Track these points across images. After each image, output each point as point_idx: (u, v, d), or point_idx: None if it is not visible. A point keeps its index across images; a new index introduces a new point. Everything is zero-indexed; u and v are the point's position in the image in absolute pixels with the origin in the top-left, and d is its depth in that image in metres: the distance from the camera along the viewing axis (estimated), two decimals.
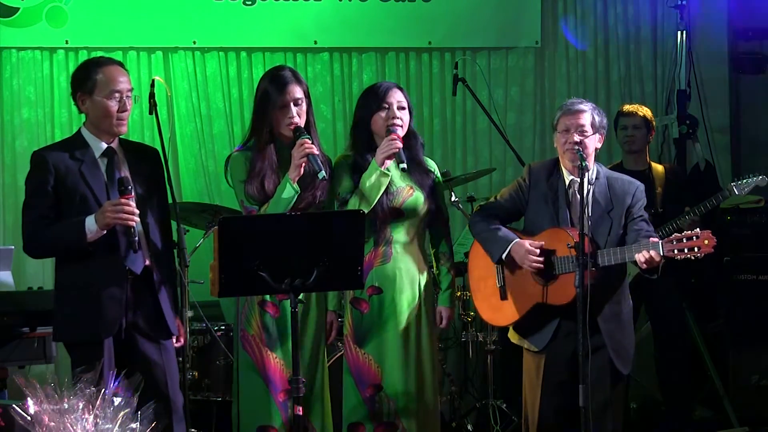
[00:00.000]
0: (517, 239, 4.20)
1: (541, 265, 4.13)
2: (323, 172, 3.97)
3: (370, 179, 4.07)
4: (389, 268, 4.15)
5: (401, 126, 4.16)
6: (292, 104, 4.08)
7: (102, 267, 3.89)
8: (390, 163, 4.11)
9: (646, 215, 4.22)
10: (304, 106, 4.12)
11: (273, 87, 4.10)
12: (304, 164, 3.99)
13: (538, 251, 4.13)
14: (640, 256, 3.96)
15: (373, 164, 4.09)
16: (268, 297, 4.07)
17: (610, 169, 5.66)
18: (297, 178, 4.00)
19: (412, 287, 4.18)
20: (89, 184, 3.91)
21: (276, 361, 4.08)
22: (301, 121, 4.09)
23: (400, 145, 4.08)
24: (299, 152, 3.99)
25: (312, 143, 4.01)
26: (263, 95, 4.12)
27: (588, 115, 4.19)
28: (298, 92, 4.10)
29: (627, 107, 5.89)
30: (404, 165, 4.09)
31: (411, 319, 4.16)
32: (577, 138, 4.14)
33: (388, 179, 4.10)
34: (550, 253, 4.15)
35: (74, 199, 3.90)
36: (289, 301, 3.99)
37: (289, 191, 3.99)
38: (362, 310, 4.15)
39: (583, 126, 4.17)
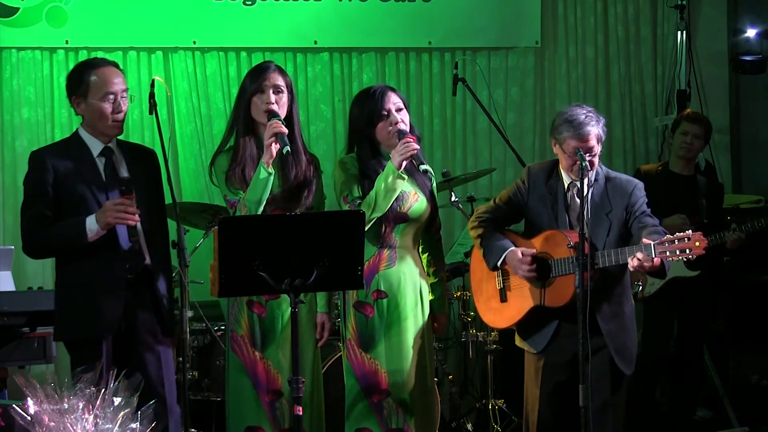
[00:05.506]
0: (512, 247, 4.18)
1: (534, 274, 4.12)
2: (287, 147, 3.91)
3: (386, 181, 3.95)
4: (394, 273, 4.09)
5: (406, 127, 4.07)
6: (270, 90, 4.04)
7: (102, 267, 3.88)
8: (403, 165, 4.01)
9: (648, 210, 4.17)
10: (284, 98, 4.07)
11: (252, 76, 4.10)
12: (273, 144, 3.93)
13: (529, 259, 4.12)
14: (631, 261, 3.92)
15: (389, 166, 3.96)
16: (254, 297, 4.04)
17: (657, 169, 5.71)
18: (270, 161, 3.94)
19: (414, 291, 4.14)
20: (88, 184, 3.91)
21: (263, 362, 4.05)
22: (281, 111, 4.03)
23: (418, 146, 3.99)
24: (268, 132, 3.95)
25: (282, 124, 3.95)
26: (242, 85, 4.12)
27: (595, 133, 4.07)
28: (278, 80, 4.06)
29: (693, 113, 5.86)
30: (425, 166, 4.00)
31: (414, 323, 4.13)
32: (588, 159, 4.03)
33: (404, 182, 4.01)
34: (545, 256, 4.15)
35: (73, 199, 3.89)
36: (275, 301, 4.02)
37: (263, 173, 3.95)
38: (367, 315, 4.09)
39: (593, 148, 4.07)
